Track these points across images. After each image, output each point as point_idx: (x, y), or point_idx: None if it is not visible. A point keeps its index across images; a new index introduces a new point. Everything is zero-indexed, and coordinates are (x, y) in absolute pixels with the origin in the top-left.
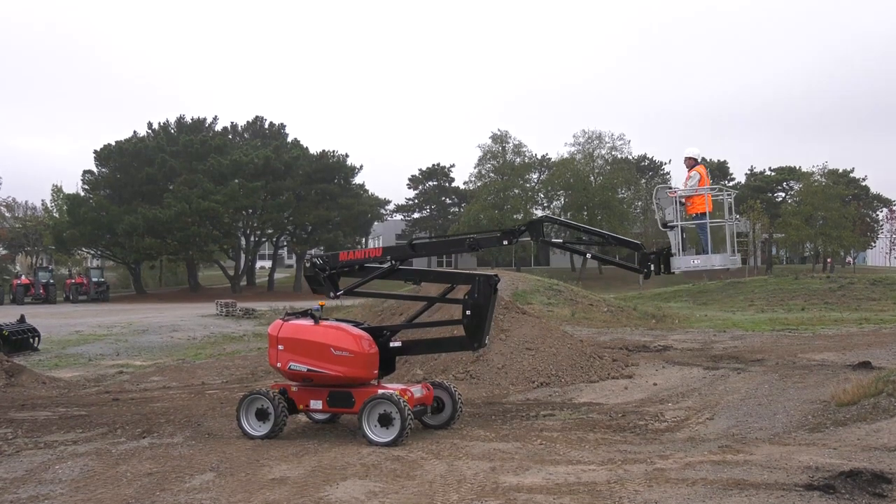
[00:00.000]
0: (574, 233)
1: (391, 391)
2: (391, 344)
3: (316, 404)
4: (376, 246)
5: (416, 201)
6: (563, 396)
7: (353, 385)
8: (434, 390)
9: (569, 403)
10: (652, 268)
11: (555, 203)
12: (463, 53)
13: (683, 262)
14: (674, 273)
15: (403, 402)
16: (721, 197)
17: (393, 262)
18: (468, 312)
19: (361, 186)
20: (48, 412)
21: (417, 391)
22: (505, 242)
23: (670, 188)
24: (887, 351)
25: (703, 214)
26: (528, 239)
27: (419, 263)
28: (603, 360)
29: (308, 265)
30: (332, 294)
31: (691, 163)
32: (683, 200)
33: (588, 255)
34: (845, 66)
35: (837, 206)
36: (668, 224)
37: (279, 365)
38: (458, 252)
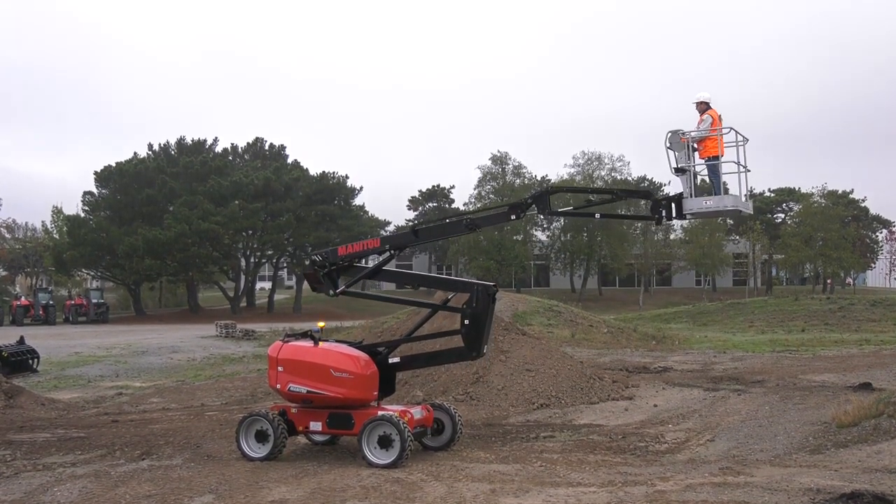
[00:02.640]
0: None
1: (391, 413)
2: (390, 360)
3: (315, 426)
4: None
5: (417, 222)
6: (563, 418)
7: (352, 406)
8: (434, 412)
9: (569, 425)
10: (664, 213)
11: (554, 224)
12: (463, 75)
13: (696, 204)
14: (686, 217)
15: (403, 423)
16: (734, 144)
17: (392, 251)
18: (466, 322)
19: (361, 208)
20: (47, 434)
21: (417, 413)
22: (513, 217)
23: (682, 133)
24: (888, 372)
25: (716, 158)
26: (537, 213)
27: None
28: (603, 382)
29: (307, 263)
30: (331, 292)
31: (703, 107)
32: (696, 146)
33: (597, 216)
34: (845, 87)
35: (837, 227)
36: (680, 168)
37: (279, 386)
38: (458, 234)
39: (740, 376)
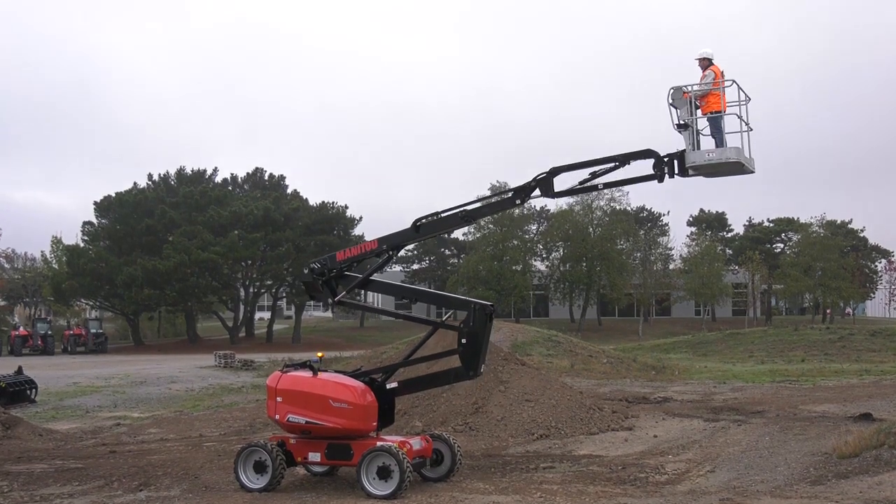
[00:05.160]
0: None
1: (390, 443)
2: (387, 385)
3: (314, 457)
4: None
5: (416, 253)
6: (562, 449)
7: (351, 437)
8: (433, 442)
9: (568, 456)
10: (666, 170)
11: (554, 254)
12: (462, 106)
13: (698, 157)
14: (689, 173)
15: (402, 454)
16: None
17: (390, 252)
18: (464, 341)
19: (361, 238)
20: (44, 465)
21: (416, 443)
22: (518, 202)
23: (685, 89)
24: (888, 402)
25: (718, 113)
26: (542, 196)
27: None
28: (603, 412)
29: (306, 271)
30: (330, 300)
31: (706, 63)
32: (698, 101)
33: (600, 187)
34: (843, 117)
35: (836, 257)
36: (682, 124)
37: (277, 417)
38: (456, 227)
39: (740, 407)
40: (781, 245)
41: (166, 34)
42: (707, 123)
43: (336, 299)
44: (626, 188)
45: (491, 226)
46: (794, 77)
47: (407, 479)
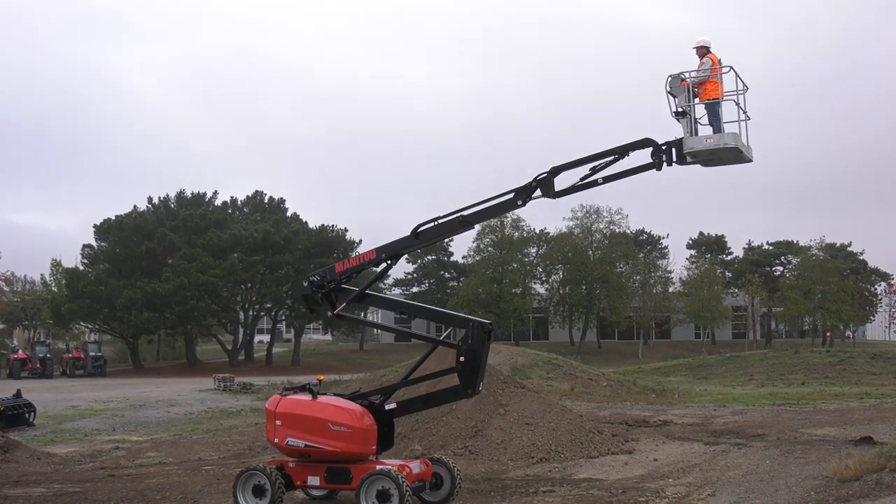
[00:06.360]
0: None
1: (389, 467)
2: (386, 406)
3: (313, 480)
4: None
5: (415, 275)
6: (562, 472)
7: (351, 461)
8: (433, 466)
9: (568, 479)
10: (664, 158)
11: (553, 277)
12: (460, 129)
13: (696, 143)
14: (687, 160)
15: (402, 478)
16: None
17: (389, 261)
18: (462, 359)
19: None
20: (43, 489)
21: (416, 467)
22: (519, 203)
23: (683, 76)
24: (889, 426)
25: (716, 101)
26: (543, 196)
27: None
28: (603, 436)
29: (305, 284)
30: (329, 313)
31: (703, 51)
32: (696, 89)
33: (600, 181)
34: (842, 141)
35: (835, 280)
36: (680, 111)
37: (276, 440)
38: (455, 233)
39: (741, 430)
40: (781, 268)
41: (168, 56)
42: (705, 111)
43: (335, 312)
44: (625, 211)
45: (490, 248)
46: (794, 96)
47: (406, 503)
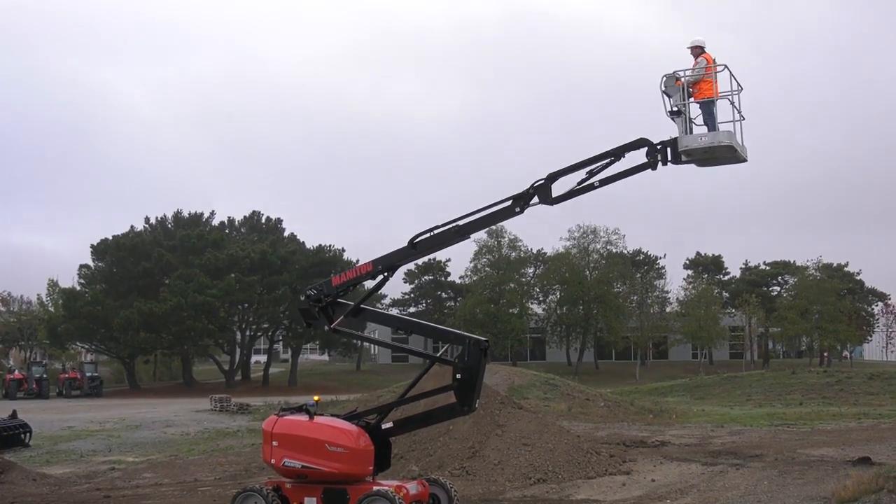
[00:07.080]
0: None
1: (386, 488)
2: (382, 426)
3: (310, 501)
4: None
5: (413, 296)
6: (559, 493)
7: (348, 482)
8: (430, 487)
9: (566, 500)
10: (659, 158)
11: (550, 297)
12: (456, 149)
13: (691, 141)
14: (682, 159)
15: (399, 498)
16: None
17: (385, 273)
18: (459, 376)
19: None
20: None
21: (413, 488)
22: (517, 210)
23: (678, 76)
24: (887, 446)
25: (711, 100)
26: (540, 203)
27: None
28: (600, 456)
29: (302, 298)
30: (326, 327)
31: (698, 51)
32: (690, 88)
33: (596, 184)
34: (839, 161)
35: (833, 300)
36: (675, 111)
37: (273, 461)
38: (453, 243)
39: (738, 450)
40: (778, 288)
41: (165, 77)
42: (700, 111)
43: (332, 326)
44: (622, 231)
45: (488, 268)
46: (791, 119)
47: None
